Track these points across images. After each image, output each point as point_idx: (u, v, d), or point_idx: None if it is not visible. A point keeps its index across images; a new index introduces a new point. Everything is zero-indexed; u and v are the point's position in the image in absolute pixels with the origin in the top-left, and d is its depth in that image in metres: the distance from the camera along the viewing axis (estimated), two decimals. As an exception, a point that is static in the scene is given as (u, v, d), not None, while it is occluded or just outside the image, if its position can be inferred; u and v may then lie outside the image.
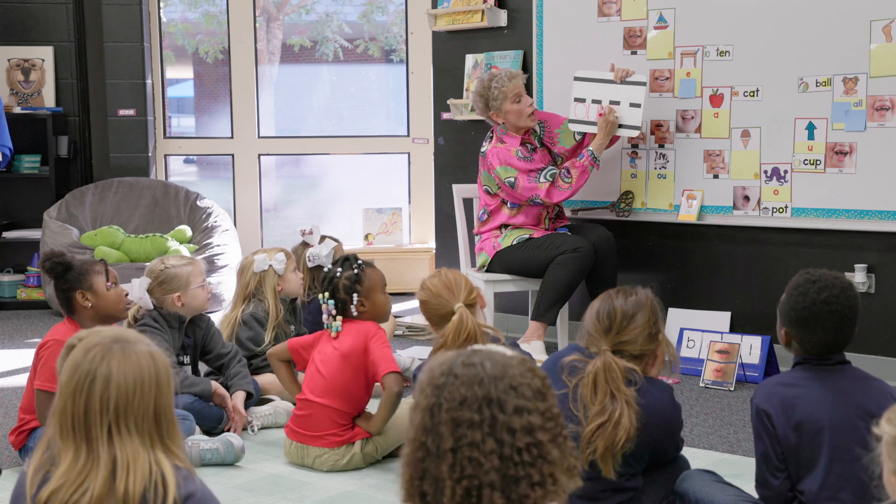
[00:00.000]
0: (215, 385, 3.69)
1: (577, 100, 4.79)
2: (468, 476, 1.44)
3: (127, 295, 3.50)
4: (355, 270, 3.41)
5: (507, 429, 1.45)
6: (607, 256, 4.75)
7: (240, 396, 3.72)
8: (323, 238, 4.43)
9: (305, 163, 7.95)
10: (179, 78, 7.94)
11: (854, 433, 2.32)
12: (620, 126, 4.69)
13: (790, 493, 2.44)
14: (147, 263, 4.61)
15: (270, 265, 4.14)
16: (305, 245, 4.43)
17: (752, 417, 2.47)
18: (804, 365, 2.46)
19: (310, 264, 4.36)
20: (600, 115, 4.69)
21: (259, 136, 7.03)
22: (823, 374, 2.43)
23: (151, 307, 3.67)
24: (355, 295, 3.40)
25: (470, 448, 1.45)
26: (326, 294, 3.41)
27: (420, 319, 5.53)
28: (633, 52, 4.94)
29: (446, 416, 1.47)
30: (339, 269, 3.41)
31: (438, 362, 1.53)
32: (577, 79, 4.81)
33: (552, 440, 1.49)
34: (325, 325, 3.44)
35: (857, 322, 2.44)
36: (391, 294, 6.85)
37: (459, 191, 5.15)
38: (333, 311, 3.40)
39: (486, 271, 4.85)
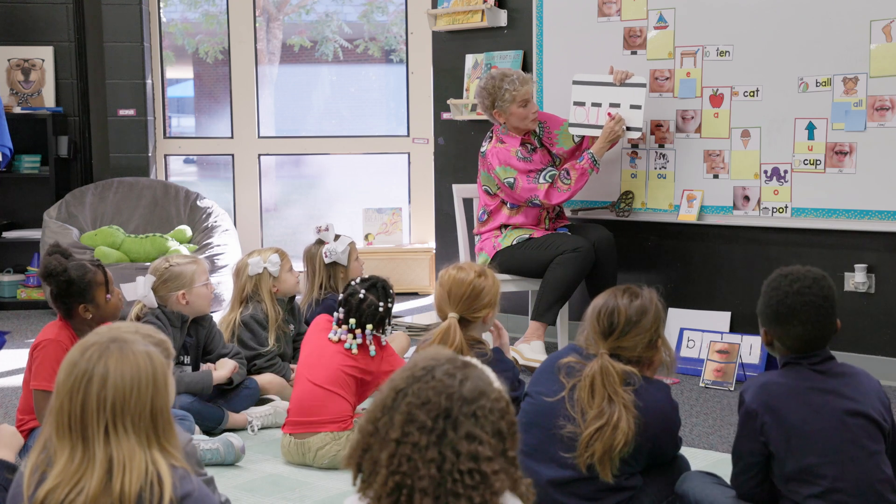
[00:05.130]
0: (217, 375, 3.70)
1: (576, 103, 4.78)
2: (402, 472, 1.49)
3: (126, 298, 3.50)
4: (390, 305, 3.45)
5: (452, 448, 1.49)
6: (607, 256, 4.74)
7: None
8: (337, 236, 4.43)
9: (305, 163, 7.94)
10: (179, 78, 7.93)
11: (845, 434, 2.31)
12: (627, 129, 4.67)
13: (761, 491, 2.42)
14: (147, 263, 4.60)
15: (265, 268, 4.13)
16: (321, 242, 4.41)
17: (741, 414, 2.43)
18: (789, 367, 2.42)
19: (326, 260, 4.35)
20: (609, 115, 4.67)
21: (259, 136, 7.03)
22: (808, 375, 2.38)
23: (156, 305, 3.67)
24: (390, 329, 3.50)
25: (413, 448, 1.49)
26: (370, 326, 3.39)
27: (419, 319, 5.53)
28: (633, 53, 4.94)
29: (404, 408, 1.51)
30: (381, 303, 3.41)
31: (431, 355, 1.58)
32: (575, 82, 4.80)
33: (499, 473, 1.51)
34: (344, 342, 3.42)
35: (835, 313, 2.39)
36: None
37: (459, 191, 5.14)
38: (371, 341, 3.41)
39: (486, 271, 4.84)
